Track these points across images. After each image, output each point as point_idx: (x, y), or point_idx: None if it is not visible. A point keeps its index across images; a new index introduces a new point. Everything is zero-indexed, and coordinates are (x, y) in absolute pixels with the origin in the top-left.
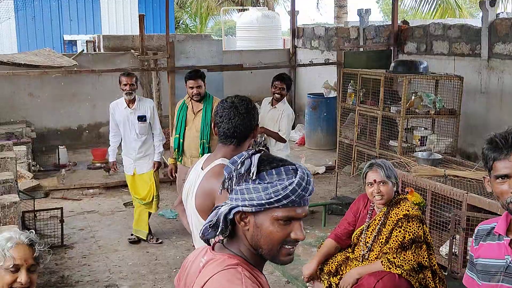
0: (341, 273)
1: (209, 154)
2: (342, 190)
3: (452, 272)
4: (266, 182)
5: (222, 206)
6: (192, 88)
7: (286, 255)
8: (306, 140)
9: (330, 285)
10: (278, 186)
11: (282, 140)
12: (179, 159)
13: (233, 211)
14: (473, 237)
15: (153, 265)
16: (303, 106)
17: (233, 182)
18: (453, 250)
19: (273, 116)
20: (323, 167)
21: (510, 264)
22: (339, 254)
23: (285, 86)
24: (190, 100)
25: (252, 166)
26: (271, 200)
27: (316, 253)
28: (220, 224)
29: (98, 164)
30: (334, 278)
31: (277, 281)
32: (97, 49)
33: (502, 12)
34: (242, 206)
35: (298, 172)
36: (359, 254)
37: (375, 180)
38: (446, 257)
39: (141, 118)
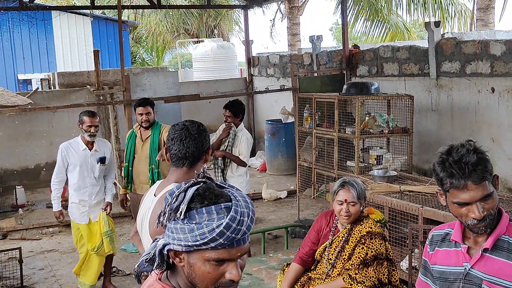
0: None
1: (162, 180)
2: (305, 213)
3: (413, 286)
4: (194, 222)
5: (159, 239)
6: (141, 115)
7: None
8: (267, 166)
9: None
10: (205, 228)
11: (243, 164)
12: (129, 187)
13: (166, 248)
14: (427, 242)
15: None
16: (263, 133)
17: (166, 217)
18: (413, 264)
19: (231, 141)
20: (285, 192)
21: (469, 271)
22: (301, 275)
23: (232, 113)
24: (139, 128)
25: (182, 203)
26: (197, 243)
27: (283, 281)
28: (157, 259)
29: None
30: None
31: None
32: (52, 87)
33: (447, 32)
34: (172, 244)
35: (231, 212)
36: (322, 272)
37: (346, 200)
38: (407, 272)
39: (103, 160)
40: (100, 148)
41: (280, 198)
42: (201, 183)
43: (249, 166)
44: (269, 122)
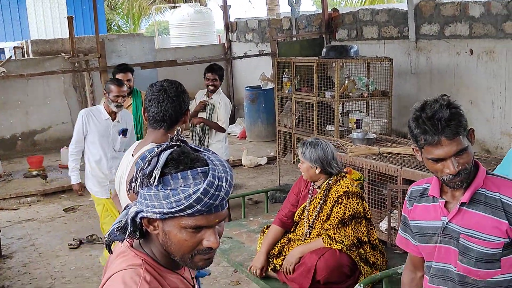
0: (284, 254)
1: (140, 140)
2: (285, 179)
3: (392, 246)
4: (168, 189)
5: (131, 207)
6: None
7: (202, 260)
8: (247, 133)
9: (274, 267)
10: (181, 194)
11: (222, 130)
12: None
13: (139, 215)
14: (406, 198)
15: (97, 267)
16: (242, 100)
17: (138, 184)
18: (392, 224)
19: (210, 107)
20: (265, 158)
21: (447, 225)
22: (281, 237)
23: (217, 77)
24: None
25: (155, 168)
26: (173, 210)
27: (263, 243)
28: (129, 227)
29: (34, 172)
30: (277, 259)
31: (225, 271)
32: (25, 55)
33: None
34: (146, 212)
35: (208, 177)
36: (301, 233)
37: (298, 159)
38: (386, 232)
39: (124, 133)
40: (123, 119)
41: (260, 164)
42: (175, 147)
43: (228, 133)
44: (249, 88)
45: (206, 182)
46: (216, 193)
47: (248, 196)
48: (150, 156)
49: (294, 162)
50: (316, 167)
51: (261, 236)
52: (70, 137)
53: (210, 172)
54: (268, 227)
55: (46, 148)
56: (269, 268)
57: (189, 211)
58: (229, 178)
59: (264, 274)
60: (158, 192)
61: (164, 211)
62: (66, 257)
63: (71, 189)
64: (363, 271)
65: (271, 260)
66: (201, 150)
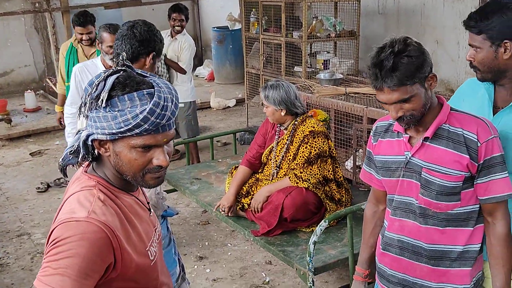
0: (252, 193)
1: None
2: (254, 120)
3: (357, 183)
4: (116, 110)
5: (83, 131)
6: (81, 34)
7: (152, 179)
8: (215, 75)
9: (243, 206)
10: (128, 115)
11: (182, 71)
12: None
13: (90, 138)
14: (371, 133)
15: None
16: (209, 41)
17: (87, 107)
18: (357, 163)
19: (174, 48)
20: (234, 100)
21: (409, 160)
22: (249, 177)
23: (184, 17)
24: (79, 43)
25: (103, 91)
26: (122, 130)
27: (231, 183)
28: (81, 150)
29: None
30: (246, 199)
31: (194, 212)
32: None
33: None
34: (96, 134)
35: (154, 98)
36: (269, 173)
37: (262, 103)
38: (351, 171)
39: None
40: None
41: (229, 106)
42: (121, 72)
43: (196, 76)
44: (216, 29)
45: (152, 102)
46: (162, 112)
47: (216, 138)
48: (97, 81)
49: (262, 104)
50: (281, 109)
51: (229, 176)
52: (34, 80)
53: (155, 93)
54: (236, 167)
55: (9, 92)
56: (238, 208)
57: (137, 131)
58: (174, 99)
59: (231, 213)
60: (106, 113)
61: (113, 131)
62: (34, 201)
63: (37, 133)
64: (328, 208)
65: (239, 199)
66: (147, 75)
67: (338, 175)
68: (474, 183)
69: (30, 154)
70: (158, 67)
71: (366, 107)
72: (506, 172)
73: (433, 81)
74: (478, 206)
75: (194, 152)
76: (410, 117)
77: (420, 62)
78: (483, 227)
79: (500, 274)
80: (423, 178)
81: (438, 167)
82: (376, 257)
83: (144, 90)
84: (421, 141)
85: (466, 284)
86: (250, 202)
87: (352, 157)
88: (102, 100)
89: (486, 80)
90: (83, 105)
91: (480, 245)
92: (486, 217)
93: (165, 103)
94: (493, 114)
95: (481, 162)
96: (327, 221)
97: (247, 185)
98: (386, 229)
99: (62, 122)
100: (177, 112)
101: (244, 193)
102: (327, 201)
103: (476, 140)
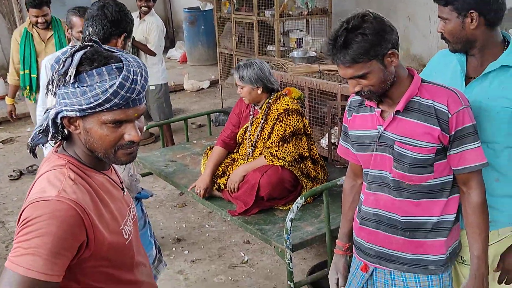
0: (228, 173)
1: None
2: (228, 102)
3: (333, 161)
4: (85, 85)
5: (51, 109)
6: (36, 17)
7: (124, 155)
8: (187, 57)
9: (219, 186)
10: (98, 89)
11: (151, 53)
12: (33, 98)
13: (59, 116)
14: (346, 108)
15: None
16: (181, 22)
17: (54, 84)
18: (332, 140)
19: (143, 30)
20: (207, 82)
21: (382, 134)
22: (224, 157)
23: None
24: (33, 27)
25: (70, 67)
26: (92, 105)
27: (207, 164)
28: (50, 129)
29: None
30: (222, 179)
31: (170, 195)
32: None
33: None
34: (65, 111)
35: (123, 72)
36: (244, 153)
37: (236, 84)
38: (327, 148)
39: None
40: None
41: (203, 88)
42: (88, 47)
43: (169, 58)
44: (187, 10)
45: (121, 76)
46: (132, 86)
47: (191, 120)
48: (64, 57)
49: (236, 85)
50: (258, 87)
51: (205, 157)
52: (2, 67)
53: (124, 67)
54: (211, 148)
55: None
56: (214, 188)
57: (107, 105)
58: (143, 72)
59: (207, 194)
60: (75, 89)
61: (83, 107)
62: (7, 189)
63: (8, 121)
64: (304, 185)
65: (215, 180)
66: (115, 50)
67: (314, 152)
68: (447, 154)
69: (1, 141)
70: (129, 50)
71: (340, 84)
72: (479, 142)
73: (394, 58)
74: (451, 176)
75: (168, 135)
76: (369, 93)
77: (375, 40)
78: (458, 197)
79: (477, 243)
80: (396, 151)
81: (410, 140)
82: (353, 231)
83: (113, 64)
84: (393, 114)
85: (442, 254)
86: (226, 183)
87: (327, 135)
88: (70, 76)
89: (457, 51)
90: (50, 82)
91: (455, 215)
92: (461, 187)
93: (135, 77)
94: (466, 85)
95: (453, 133)
96: (303, 198)
97: (223, 165)
98: (362, 203)
99: (13, 116)
100: (146, 87)
101: (220, 173)
102: (303, 178)
103: (447, 112)
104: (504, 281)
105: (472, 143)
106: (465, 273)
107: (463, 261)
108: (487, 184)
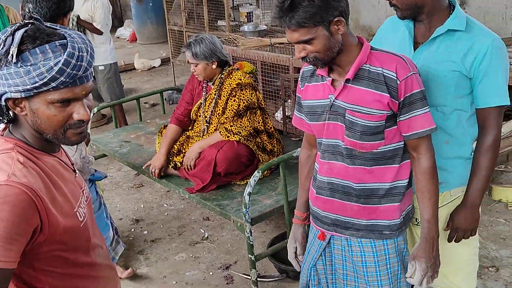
0: (183, 151)
1: None
2: (181, 79)
3: (288, 133)
4: (29, 64)
5: None
6: None
7: (74, 135)
8: (137, 36)
9: (175, 164)
10: (42, 68)
11: (98, 32)
12: None
13: (3, 98)
14: (299, 78)
15: None
16: (128, 0)
17: None
18: (287, 113)
19: (87, 8)
20: (158, 60)
21: (333, 103)
22: (179, 135)
23: None
24: None
25: (12, 46)
26: (37, 84)
27: (162, 142)
28: None
29: None
30: (177, 157)
31: (126, 176)
32: None
33: None
34: (9, 92)
35: (67, 49)
36: (199, 130)
37: (188, 61)
38: (282, 122)
39: None
40: None
41: (154, 67)
42: (29, 25)
43: (118, 37)
44: None
45: (66, 53)
46: (78, 63)
47: (144, 99)
48: (4, 36)
49: (188, 62)
50: (213, 62)
51: (159, 136)
52: None
53: (69, 43)
54: (165, 127)
55: None
56: (170, 167)
57: (53, 84)
58: (89, 49)
59: (163, 173)
60: (18, 69)
61: (28, 87)
62: None
63: None
64: (261, 159)
65: (171, 158)
66: (57, 27)
67: (269, 126)
68: (397, 120)
69: None
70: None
71: (292, 57)
72: (427, 107)
73: (341, 26)
74: (402, 143)
75: (120, 115)
76: (314, 59)
77: (322, 5)
78: (410, 163)
79: (427, 207)
80: (347, 119)
81: (360, 108)
82: (309, 201)
83: (56, 42)
84: (343, 83)
85: (395, 219)
86: (183, 160)
87: (281, 108)
88: (12, 55)
89: (406, 17)
90: None
91: (407, 180)
92: (411, 152)
93: (80, 53)
94: (414, 50)
95: (402, 99)
96: (260, 171)
97: (178, 143)
98: (317, 172)
99: None
100: (93, 63)
101: (175, 151)
102: (259, 152)
103: (396, 78)
104: (454, 239)
105: (421, 109)
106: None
107: (418, 222)
108: (437, 146)
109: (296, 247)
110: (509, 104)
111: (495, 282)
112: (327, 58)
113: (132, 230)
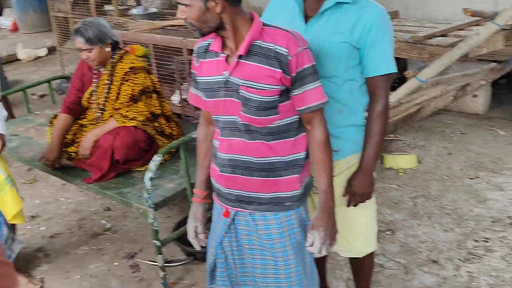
0: (77, 141)
1: None
2: (70, 68)
3: (187, 116)
4: None
5: None
6: None
7: None
8: (19, 25)
9: (70, 155)
10: None
11: None
12: None
13: None
14: (194, 54)
15: None
16: None
17: None
18: (183, 96)
19: None
20: (44, 49)
21: (228, 79)
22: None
23: None
24: None
25: None
26: None
27: (53, 133)
28: None
29: None
30: (72, 147)
31: (18, 172)
32: None
33: None
34: None
35: None
36: (93, 117)
37: (80, 48)
38: (180, 105)
39: None
40: None
41: (40, 56)
42: None
43: None
44: None
45: None
46: None
47: (31, 90)
48: None
49: (80, 49)
50: (107, 44)
51: (50, 127)
52: None
53: None
54: (55, 117)
55: None
56: (65, 158)
57: None
58: None
59: (58, 165)
60: None
61: None
62: None
63: None
64: (160, 143)
65: (65, 149)
66: None
67: (166, 109)
68: (290, 95)
69: None
70: None
71: (185, 38)
72: (318, 81)
73: (219, 6)
74: (297, 117)
75: (6, 108)
76: (191, 25)
77: None
78: (306, 135)
79: (323, 178)
80: (242, 95)
81: (253, 84)
82: (212, 179)
83: None
84: (236, 59)
85: (296, 189)
86: (78, 151)
87: (177, 91)
88: None
89: None
90: None
91: (305, 152)
92: (306, 126)
93: None
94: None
95: (294, 74)
96: (160, 155)
97: (71, 133)
98: (217, 150)
99: None
100: None
101: (69, 142)
102: (158, 136)
103: (287, 54)
104: (352, 204)
105: (313, 83)
106: None
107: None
108: (332, 116)
109: (196, 226)
110: (396, 71)
111: (392, 244)
112: (203, 30)
113: (29, 227)
